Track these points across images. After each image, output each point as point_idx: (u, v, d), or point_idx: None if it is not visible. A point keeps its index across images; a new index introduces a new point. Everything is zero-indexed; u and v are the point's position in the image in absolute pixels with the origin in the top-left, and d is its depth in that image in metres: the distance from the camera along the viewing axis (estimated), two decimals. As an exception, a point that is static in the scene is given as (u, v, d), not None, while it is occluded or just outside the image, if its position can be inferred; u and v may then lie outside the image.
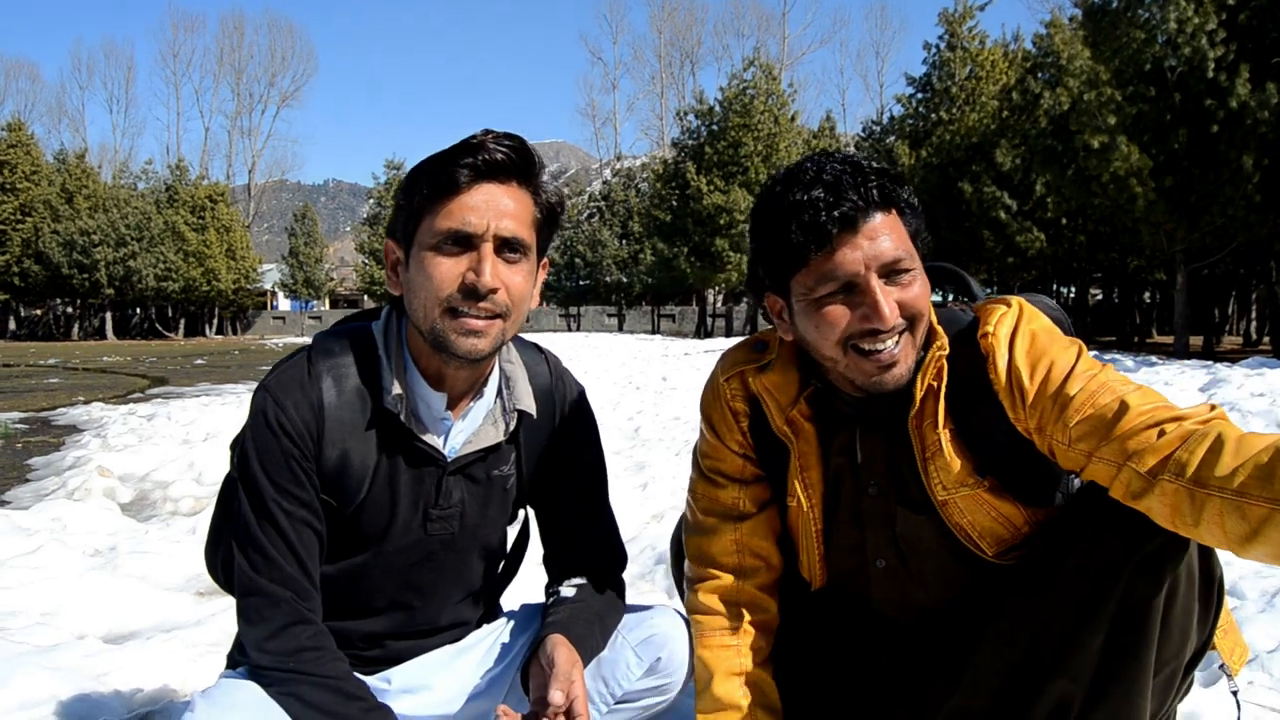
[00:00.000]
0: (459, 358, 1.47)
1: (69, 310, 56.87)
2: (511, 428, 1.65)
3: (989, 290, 2.03)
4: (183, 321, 59.11)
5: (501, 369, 1.65)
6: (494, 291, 1.44)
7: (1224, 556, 3.31)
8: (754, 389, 1.65)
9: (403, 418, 1.52)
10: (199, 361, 25.79)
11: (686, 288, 45.36)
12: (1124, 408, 1.34)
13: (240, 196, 78.88)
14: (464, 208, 1.43)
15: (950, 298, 1.74)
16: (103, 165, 70.08)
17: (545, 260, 1.61)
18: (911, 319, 1.46)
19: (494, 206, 1.44)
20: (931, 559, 1.61)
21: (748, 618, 1.69)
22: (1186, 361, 12.84)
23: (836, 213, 1.41)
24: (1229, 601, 2.83)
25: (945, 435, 1.51)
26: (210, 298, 57.30)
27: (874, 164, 1.47)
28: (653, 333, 48.03)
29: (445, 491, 1.60)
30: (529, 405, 1.65)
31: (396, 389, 1.51)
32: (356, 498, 1.54)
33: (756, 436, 1.70)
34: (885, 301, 1.42)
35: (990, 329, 1.50)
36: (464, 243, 1.44)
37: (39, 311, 57.99)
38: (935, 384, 1.51)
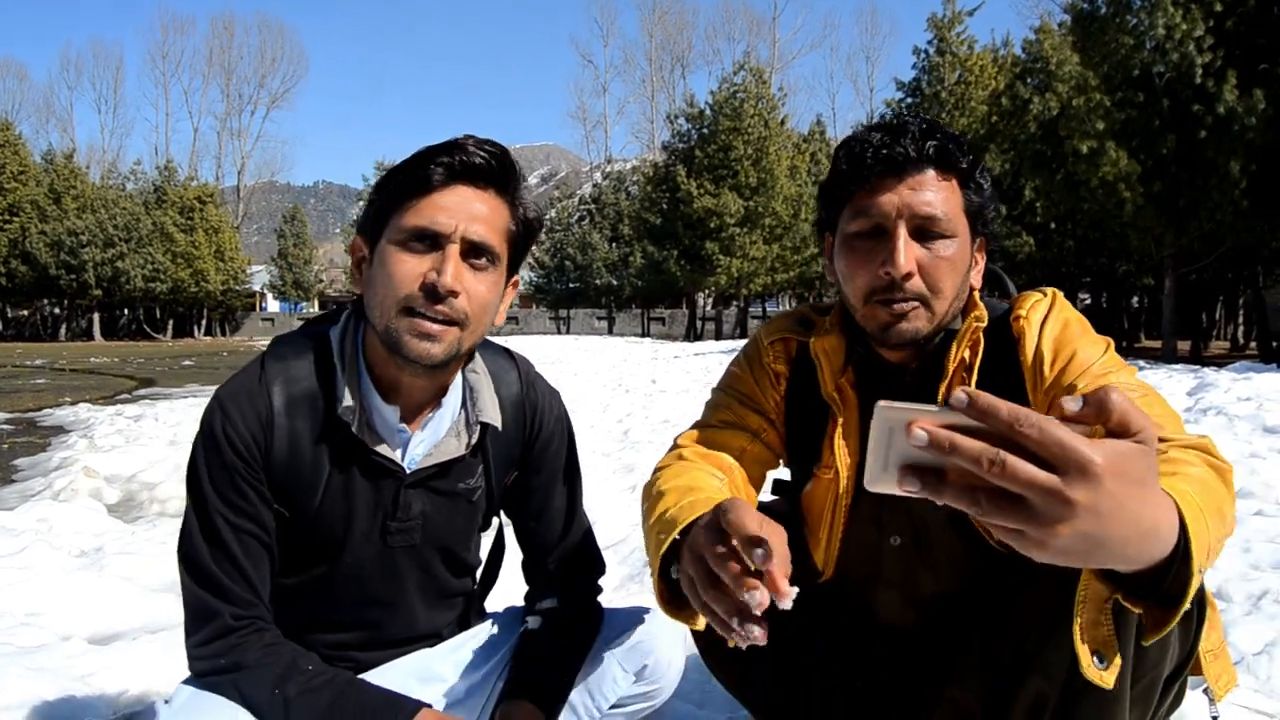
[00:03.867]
0: (412, 362, 1.41)
1: (56, 311, 56.65)
2: (474, 441, 1.59)
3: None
4: (171, 323, 58.91)
5: (465, 379, 1.60)
6: (454, 295, 1.38)
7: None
8: (812, 350, 1.63)
9: (355, 429, 1.47)
10: (187, 363, 25.69)
11: (676, 291, 45.45)
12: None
13: (229, 198, 78.60)
14: (434, 206, 1.39)
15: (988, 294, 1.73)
16: (91, 166, 69.92)
17: (516, 279, 1.56)
18: (930, 289, 1.45)
19: (466, 209, 1.40)
20: (942, 537, 1.60)
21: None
22: (1174, 366, 12.89)
23: (885, 152, 1.43)
24: (1220, 606, 2.84)
25: None
26: (199, 299, 57.18)
27: (953, 133, 1.48)
28: (643, 336, 48.03)
29: (404, 504, 1.55)
30: (493, 417, 1.60)
31: (349, 400, 1.46)
32: (309, 508, 1.49)
33: (790, 404, 1.69)
34: (904, 250, 1.43)
35: (1023, 313, 1.50)
36: (430, 242, 1.39)
37: (26, 312, 57.73)
38: (969, 357, 1.50)
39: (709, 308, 49.95)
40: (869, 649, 1.73)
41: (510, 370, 1.69)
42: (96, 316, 54.71)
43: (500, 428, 1.62)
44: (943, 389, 1.51)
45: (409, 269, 1.38)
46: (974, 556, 1.57)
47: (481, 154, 1.41)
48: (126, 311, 58.88)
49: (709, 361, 16.82)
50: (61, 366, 23.30)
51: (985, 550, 1.55)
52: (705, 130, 37.62)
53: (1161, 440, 1.25)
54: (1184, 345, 23.71)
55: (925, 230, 1.44)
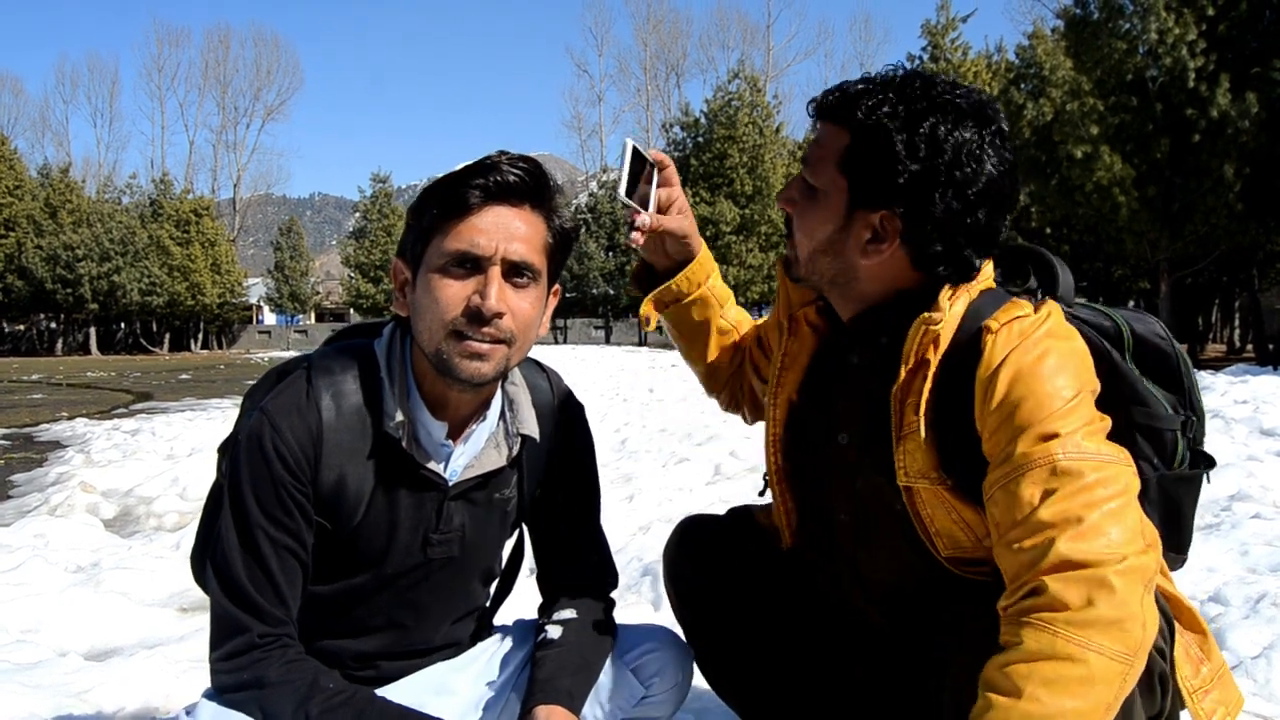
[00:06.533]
0: (462, 381, 1.43)
1: (53, 325, 56.57)
2: (514, 452, 1.61)
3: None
4: (168, 336, 58.74)
5: (505, 391, 1.62)
6: (499, 316, 1.40)
7: (1204, 562, 3.28)
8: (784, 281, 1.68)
9: (405, 444, 1.48)
10: (184, 376, 25.66)
11: (673, 299, 45.33)
12: (1027, 516, 1.26)
13: (225, 210, 78.31)
14: (473, 229, 1.40)
15: (1028, 284, 1.56)
16: (87, 180, 69.57)
17: (558, 288, 1.58)
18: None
19: (503, 229, 1.41)
20: (882, 523, 1.55)
21: None
22: (1170, 369, 12.86)
23: (810, 106, 1.54)
24: (1217, 610, 2.84)
25: (922, 421, 1.41)
26: (195, 312, 57.04)
27: (887, 79, 1.47)
28: (640, 345, 47.97)
29: (446, 516, 1.56)
30: (532, 429, 1.62)
31: (399, 415, 1.47)
32: (352, 521, 1.50)
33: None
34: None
35: (995, 324, 1.38)
36: (471, 265, 1.40)
37: (22, 327, 57.63)
38: (928, 358, 1.42)
39: (706, 316, 49.83)
40: (846, 644, 1.73)
41: (543, 380, 1.72)
42: (93, 330, 54.63)
43: (539, 439, 1.64)
44: (895, 389, 1.45)
45: (453, 293, 1.40)
46: (915, 553, 1.52)
47: (515, 172, 1.42)
48: (123, 325, 58.75)
49: (706, 369, 16.79)
50: (58, 381, 23.27)
51: (924, 551, 1.51)
52: (700, 139, 37.73)
53: (1030, 590, 1.23)
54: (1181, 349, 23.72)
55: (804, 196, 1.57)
